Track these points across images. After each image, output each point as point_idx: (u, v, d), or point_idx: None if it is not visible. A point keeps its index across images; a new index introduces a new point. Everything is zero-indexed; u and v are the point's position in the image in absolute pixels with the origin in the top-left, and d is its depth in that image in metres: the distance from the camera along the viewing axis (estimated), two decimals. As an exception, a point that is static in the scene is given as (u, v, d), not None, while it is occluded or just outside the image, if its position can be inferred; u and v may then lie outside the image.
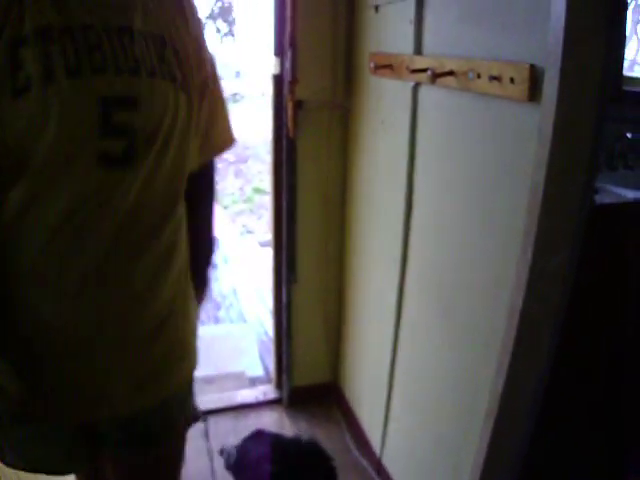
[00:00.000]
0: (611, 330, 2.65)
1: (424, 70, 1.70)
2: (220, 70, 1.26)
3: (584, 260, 2.48)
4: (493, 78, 1.39)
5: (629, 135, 2.83)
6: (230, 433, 2.76)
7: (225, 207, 7.01)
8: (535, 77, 1.27)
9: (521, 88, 1.30)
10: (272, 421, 2.89)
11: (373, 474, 2.54)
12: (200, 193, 1.32)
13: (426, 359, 1.98)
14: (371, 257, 2.40)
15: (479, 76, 1.46)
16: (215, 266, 1.62)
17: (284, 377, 2.89)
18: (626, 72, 3.12)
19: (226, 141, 1.31)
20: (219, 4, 15.48)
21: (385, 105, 2.15)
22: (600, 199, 2.43)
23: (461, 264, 1.69)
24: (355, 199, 2.50)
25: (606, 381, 2.82)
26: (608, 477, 2.33)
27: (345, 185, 2.56)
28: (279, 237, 2.57)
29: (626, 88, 3.10)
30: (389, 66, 2.00)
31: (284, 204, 2.47)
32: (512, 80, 1.32)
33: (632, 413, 2.35)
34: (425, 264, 1.93)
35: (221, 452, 2.13)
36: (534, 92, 1.27)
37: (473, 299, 1.64)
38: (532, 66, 1.26)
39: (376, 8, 2.14)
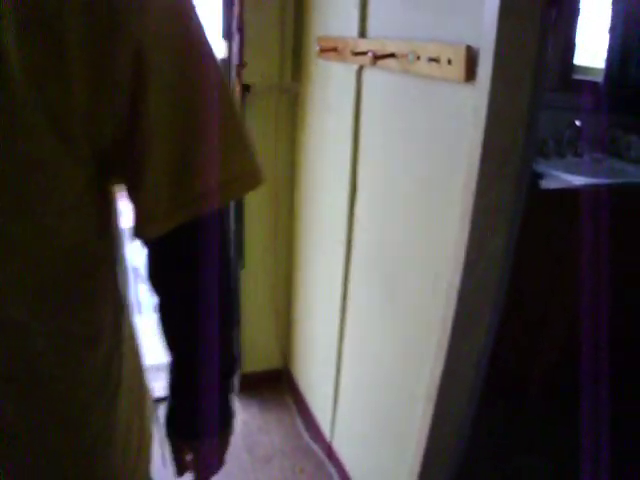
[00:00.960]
0: (552, 311, 2.71)
1: (366, 53, 1.70)
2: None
3: (526, 242, 2.53)
4: (432, 60, 1.39)
5: (578, 123, 2.88)
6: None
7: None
8: (471, 58, 1.26)
9: (458, 69, 1.29)
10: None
11: (324, 458, 2.55)
12: (196, 274, 0.85)
13: (372, 342, 1.98)
14: (318, 241, 2.39)
15: (419, 58, 1.45)
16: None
17: (235, 364, 2.87)
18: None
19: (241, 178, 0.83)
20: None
21: (331, 88, 2.14)
22: (546, 184, 2.48)
23: (404, 246, 1.69)
24: (303, 182, 2.49)
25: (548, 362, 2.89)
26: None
27: (293, 169, 2.55)
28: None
29: (576, 77, 3.16)
30: (334, 49, 1.98)
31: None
32: (449, 61, 1.32)
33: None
34: (369, 247, 1.93)
35: None
36: (470, 73, 1.27)
37: (416, 281, 1.64)
38: (468, 47, 1.26)
39: (323, -9, 2.13)
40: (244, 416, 2.81)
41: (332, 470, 2.49)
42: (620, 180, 2.68)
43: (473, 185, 1.25)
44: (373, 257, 1.91)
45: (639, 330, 2.89)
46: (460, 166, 1.34)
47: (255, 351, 2.88)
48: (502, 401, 2.96)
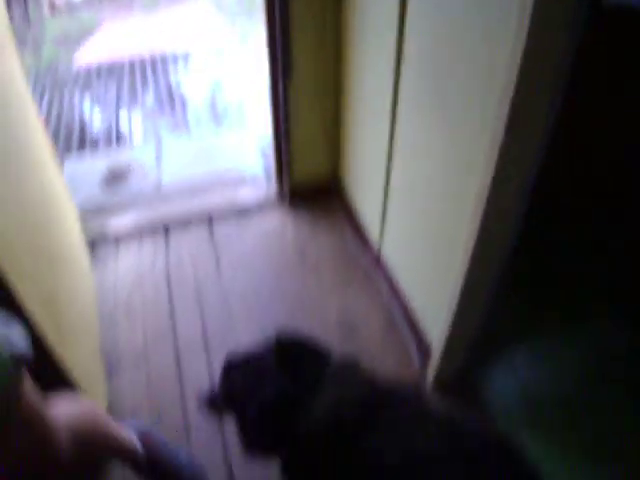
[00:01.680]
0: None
1: None
2: None
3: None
4: None
5: None
6: (233, 233, 2.84)
7: (221, 9, 6.60)
8: None
9: None
10: (274, 218, 2.96)
11: (372, 266, 2.63)
12: None
13: (422, 148, 1.95)
14: (368, 49, 2.28)
15: None
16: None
17: (284, 175, 2.90)
18: None
19: None
20: None
21: None
22: None
23: (455, 55, 1.60)
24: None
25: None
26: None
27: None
28: (273, 32, 2.43)
29: None
30: None
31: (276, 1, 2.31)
32: None
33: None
34: (420, 55, 1.83)
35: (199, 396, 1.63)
36: None
37: (467, 85, 1.57)
38: None
39: None
40: (294, 226, 2.89)
41: (380, 277, 2.57)
42: None
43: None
44: (424, 65, 1.82)
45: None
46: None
47: (304, 162, 2.89)
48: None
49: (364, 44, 2.31)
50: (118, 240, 2.86)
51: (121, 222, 2.96)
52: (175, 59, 5.33)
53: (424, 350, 2.19)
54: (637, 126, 2.52)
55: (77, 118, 4.35)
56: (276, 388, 1.27)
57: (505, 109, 1.35)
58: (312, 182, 3.00)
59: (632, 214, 2.74)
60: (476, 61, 1.49)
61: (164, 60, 5.30)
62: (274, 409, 1.25)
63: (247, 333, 2.35)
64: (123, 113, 4.41)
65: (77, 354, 1.84)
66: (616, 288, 2.66)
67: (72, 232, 2.45)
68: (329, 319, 2.42)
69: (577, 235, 2.92)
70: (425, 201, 2.02)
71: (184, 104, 4.51)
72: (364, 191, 2.66)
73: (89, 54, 5.54)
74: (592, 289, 2.65)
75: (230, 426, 2.03)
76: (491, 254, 1.73)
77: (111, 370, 2.24)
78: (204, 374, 2.20)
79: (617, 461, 2.03)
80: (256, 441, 1.32)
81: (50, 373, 1.54)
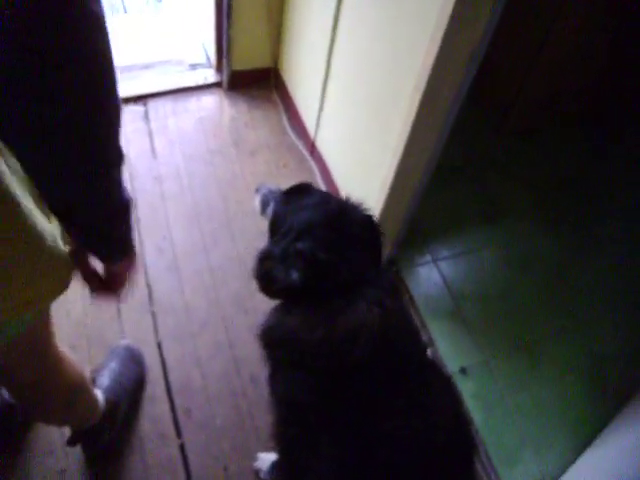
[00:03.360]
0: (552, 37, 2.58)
1: None
2: None
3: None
4: None
5: None
6: (170, 115, 2.78)
7: None
8: None
9: None
10: (212, 103, 2.89)
11: (307, 154, 2.64)
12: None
13: (364, 39, 1.93)
14: None
15: None
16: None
17: (224, 60, 2.82)
18: None
19: None
20: None
21: None
22: None
23: None
24: None
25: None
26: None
27: None
28: None
29: None
30: None
31: None
32: None
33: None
34: None
35: (257, 190, 1.56)
36: None
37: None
38: None
39: None
40: (231, 112, 2.84)
41: (313, 165, 2.60)
42: None
43: None
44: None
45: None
46: None
47: (245, 49, 2.80)
48: (484, 122, 3.02)
49: None
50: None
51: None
52: None
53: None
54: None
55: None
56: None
57: None
58: (252, 69, 2.93)
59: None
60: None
61: None
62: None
63: (178, 216, 2.36)
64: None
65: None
66: (538, 193, 2.78)
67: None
68: (262, 205, 2.42)
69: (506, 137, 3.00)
70: (362, 95, 2.02)
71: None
72: (303, 80, 2.63)
73: None
74: (515, 193, 2.76)
75: (159, 304, 2.08)
76: (423, 147, 1.76)
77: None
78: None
79: (522, 351, 2.20)
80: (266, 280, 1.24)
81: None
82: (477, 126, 3.02)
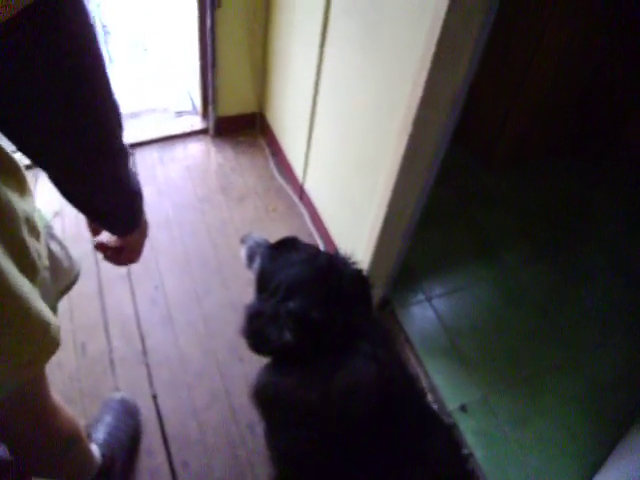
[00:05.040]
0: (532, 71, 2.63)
1: None
2: None
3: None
4: None
5: None
6: (157, 164, 2.79)
7: None
8: None
9: None
10: (199, 150, 2.92)
11: (296, 198, 2.65)
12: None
13: (348, 80, 1.95)
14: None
15: None
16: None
17: (210, 107, 2.85)
18: None
19: None
20: None
21: None
22: None
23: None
24: None
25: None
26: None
27: None
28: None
29: None
30: None
31: None
32: None
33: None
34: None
35: (242, 240, 1.56)
36: None
37: (399, 8, 1.56)
38: None
39: None
40: (218, 158, 2.86)
41: (303, 209, 2.60)
42: None
43: None
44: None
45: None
46: None
47: (230, 95, 2.84)
48: (471, 158, 3.05)
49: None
50: (36, 170, 2.76)
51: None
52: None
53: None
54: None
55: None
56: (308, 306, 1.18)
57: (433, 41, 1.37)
58: (238, 115, 2.96)
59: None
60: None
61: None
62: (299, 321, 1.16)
63: (170, 265, 2.35)
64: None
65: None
66: (527, 224, 2.81)
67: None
68: (252, 250, 2.43)
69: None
70: (348, 137, 2.04)
71: (107, 34, 4.31)
72: (289, 125, 2.65)
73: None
74: (504, 226, 2.78)
75: (154, 355, 2.06)
76: (411, 188, 1.77)
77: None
78: (128, 306, 2.20)
79: (521, 385, 2.19)
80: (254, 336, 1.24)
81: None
82: (463, 160, 3.06)
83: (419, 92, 1.46)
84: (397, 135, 1.62)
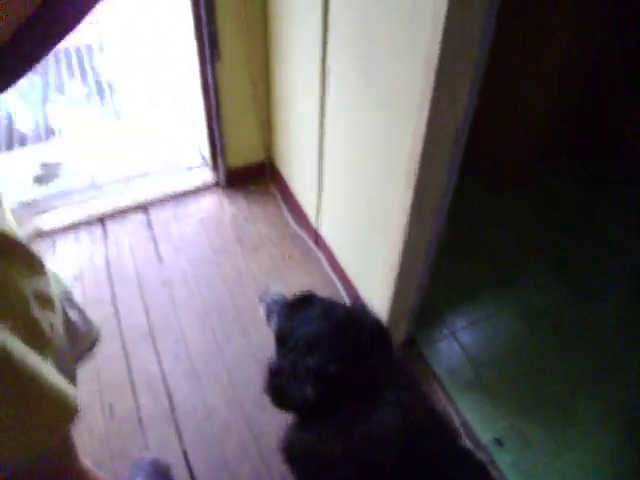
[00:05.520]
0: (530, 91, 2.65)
1: None
2: None
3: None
4: None
5: None
6: (172, 220, 2.83)
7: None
8: None
9: None
10: (211, 203, 2.95)
11: (311, 244, 2.66)
12: None
13: (353, 123, 1.98)
14: (294, 22, 2.28)
15: None
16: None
17: (219, 159, 2.89)
18: None
19: None
20: None
21: None
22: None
23: (379, 19, 1.62)
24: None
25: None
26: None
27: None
28: (198, 10, 2.40)
29: None
30: None
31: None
32: None
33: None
34: (346, 24, 1.85)
35: (260, 299, 1.61)
36: None
37: (394, 56, 1.60)
38: None
39: None
40: (231, 209, 2.89)
41: (319, 254, 2.61)
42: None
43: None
44: (351, 36, 1.83)
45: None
46: None
47: (238, 146, 2.88)
48: (477, 179, 3.06)
49: (291, 20, 2.31)
50: (54, 236, 2.80)
51: (56, 218, 2.90)
52: (101, 47, 5.20)
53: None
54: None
55: (3, 116, 4.22)
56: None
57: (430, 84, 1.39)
58: (248, 165, 3.00)
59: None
60: (398, 45, 1.54)
61: (89, 49, 5.17)
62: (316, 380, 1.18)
63: (190, 319, 2.37)
64: (51, 106, 4.30)
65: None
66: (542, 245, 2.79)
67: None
68: (271, 298, 2.43)
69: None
70: (357, 178, 2.06)
71: (113, 92, 4.43)
72: (299, 172, 2.69)
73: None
74: (520, 249, 2.77)
75: (181, 410, 2.05)
76: (423, 227, 1.78)
77: (56, 366, 2.21)
78: (152, 364, 2.21)
79: (550, 408, 2.15)
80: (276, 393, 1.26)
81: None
82: (468, 182, 3.04)
83: (422, 131, 1.48)
84: (404, 174, 1.63)
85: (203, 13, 2.36)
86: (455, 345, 2.33)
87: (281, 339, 1.39)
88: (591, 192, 3.13)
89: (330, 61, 2.01)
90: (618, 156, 3.29)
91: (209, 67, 2.53)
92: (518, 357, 2.31)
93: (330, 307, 1.37)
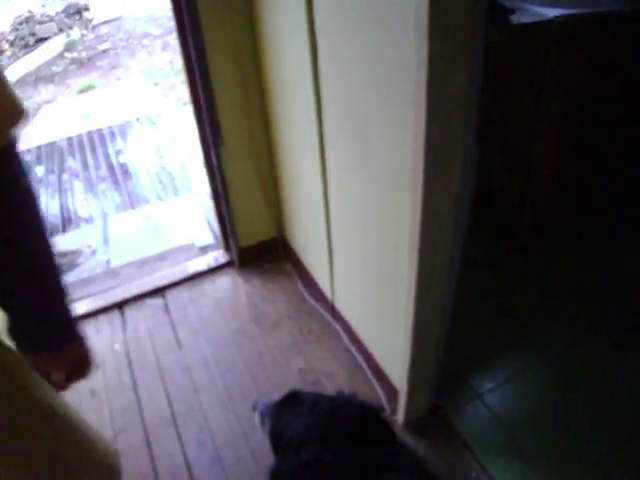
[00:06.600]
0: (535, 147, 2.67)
1: None
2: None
3: (500, 77, 2.47)
4: None
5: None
6: (188, 303, 2.84)
7: (156, 84, 6.73)
8: None
9: None
10: (226, 283, 2.97)
11: (329, 317, 2.65)
12: None
13: (354, 199, 2.00)
14: (291, 104, 2.34)
15: None
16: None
17: (231, 240, 2.92)
18: None
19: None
20: None
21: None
22: (518, 19, 2.40)
23: (368, 99, 1.66)
24: (266, 50, 2.39)
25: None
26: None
27: (255, 37, 2.44)
28: (197, 100, 2.48)
29: None
30: None
31: (195, 67, 2.36)
32: None
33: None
34: (338, 105, 1.89)
35: (254, 407, 1.69)
36: None
37: (384, 133, 1.63)
38: None
39: None
40: (247, 288, 2.91)
41: (337, 326, 2.60)
42: (595, 9, 2.52)
43: (425, 28, 1.21)
44: (343, 115, 1.88)
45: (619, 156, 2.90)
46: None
47: (248, 225, 2.92)
48: (494, 241, 3.05)
49: (288, 105, 2.37)
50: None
51: (75, 307, 2.92)
52: (113, 134, 5.37)
53: (392, 394, 2.21)
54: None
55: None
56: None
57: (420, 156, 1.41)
58: (259, 243, 3.03)
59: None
60: (389, 116, 1.57)
61: (102, 137, 5.33)
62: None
63: (213, 404, 2.34)
64: (66, 196, 4.40)
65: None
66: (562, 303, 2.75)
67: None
68: (292, 377, 2.42)
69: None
70: (365, 251, 2.06)
71: (127, 178, 4.53)
72: (309, 246, 2.70)
73: (29, 139, 5.54)
74: (543, 305, 2.73)
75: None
76: (434, 296, 1.77)
77: (80, 461, 2.20)
78: (176, 452, 2.18)
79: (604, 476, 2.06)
80: None
81: None
82: (487, 242, 3.04)
83: (418, 203, 1.49)
84: (409, 247, 1.64)
85: (203, 101, 2.43)
86: (482, 408, 2.26)
87: (275, 441, 1.42)
88: (619, 253, 3.03)
89: (326, 139, 2.06)
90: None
91: (213, 151, 2.59)
92: (552, 417, 2.22)
93: (315, 402, 1.40)
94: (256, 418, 1.64)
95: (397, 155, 1.58)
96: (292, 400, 1.48)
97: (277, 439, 1.41)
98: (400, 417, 2.17)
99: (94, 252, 3.40)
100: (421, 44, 1.25)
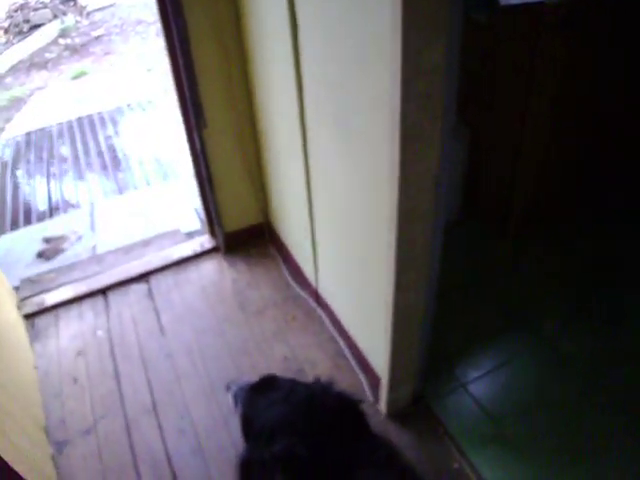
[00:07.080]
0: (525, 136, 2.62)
1: None
2: None
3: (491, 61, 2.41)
4: None
5: None
6: (173, 288, 2.80)
7: (149, 70, 6.66)
8: None
9: None
10: (212, 269, 2.93)
11: (313, 303, 2.61)
12: None
13: (334, 183, 1.96)
14: (273, 85, 2.28)
15: None
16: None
17: (216, 225, 2.88)
18: None
19: None
20: None
21: None
22: (506, 0, 2.36)
23: (346, 82, 1.61)
24: (249, 31, 2.33)
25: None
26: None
27: (238, 19, 2.38)
28: (180, 83, 2.42)
29: None
30: None
31: (177, 48, 2.30)
32: None
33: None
34: (316, 84, 1.85)
35: (227, 387, 1.67)
36: None
37: (362, 114, 1.58)
38: None
39: None
40: (232, 274, 2.86)
41: (321, 313, 2.56)
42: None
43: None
44: (322, 96, 1.83)
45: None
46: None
47: (233, 210, 2.88)
48: (485, 225, 3.00)
49: (270, 85, 2.32)
50: (57, 310, 2.79)
51: (59, 292, 2.89)
52: (103, 120, 5.31)
53: (375, 382, 2.16)
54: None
55: (8, 192, 4.27)
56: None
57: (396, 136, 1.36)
58: (245, 228, 2.99)
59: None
60: (366, 95, 1.52)
61: (92, 123, 5.27)
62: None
63: (195, 393, 2.31)
64: (54, 181, 4.34)
65: (16, 437, 1.79)
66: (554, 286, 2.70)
67: (5, 308, 2.42)
68: (276, 364, 2.38)
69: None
70: (347, 235, 2.02)
71: (116, 164, 4.48)
72: (293, 231, 2.66)
73: (20, 125, 5.49)
74: (530, 292, 2.68)
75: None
76: (413, 282, 1.73)
77: (60, 445, 2.17)
78: (156, 439, 2.15)
79: (581, 463, 2.01)
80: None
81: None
82: (477, 232, 2.99)
83: (396, 183, 1.44)
84: (386, 229, 1.59)
85: (185, 81, 2.38)
86: (467, 398, 2.21)
87: (246, 428, 1.38)
88: (609, 238, 2.97)
89: (307, 121, 2.02)
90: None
91: (196, 134, 2.53)
92: (540, 407, 2.15)
93: (291, 389, 1.34)
94: (229, 399, 1.60)
95: (376, 137, 1.53)
96: (267, 385, 1.43)
97: (249, 426, 1.35)
98: (383, 406, 2.13)
99: (80, 238, 3.35)
100: (395, 12, 1.20)
